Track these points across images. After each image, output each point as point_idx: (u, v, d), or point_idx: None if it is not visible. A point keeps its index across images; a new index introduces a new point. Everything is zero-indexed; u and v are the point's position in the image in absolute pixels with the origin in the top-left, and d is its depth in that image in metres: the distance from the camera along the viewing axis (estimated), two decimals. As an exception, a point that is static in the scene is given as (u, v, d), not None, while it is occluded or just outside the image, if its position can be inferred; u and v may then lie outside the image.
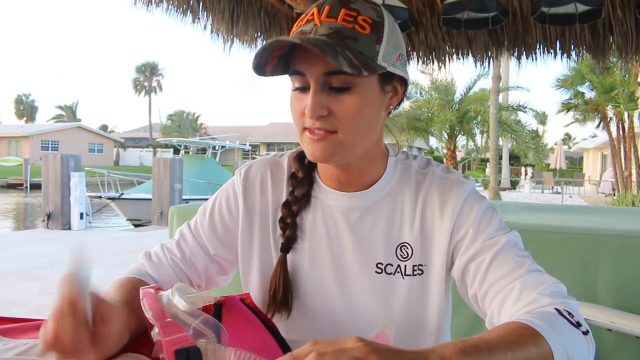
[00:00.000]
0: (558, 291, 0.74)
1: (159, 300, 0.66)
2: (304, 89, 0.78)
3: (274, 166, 0.95)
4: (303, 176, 0.90)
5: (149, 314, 0.63)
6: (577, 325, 0.67)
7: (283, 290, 0.88)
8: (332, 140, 0.78)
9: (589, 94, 17.33)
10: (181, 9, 3.23)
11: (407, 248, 0.87)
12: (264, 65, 0.76)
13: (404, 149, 0.98)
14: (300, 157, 0.93)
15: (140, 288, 0.71)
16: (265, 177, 0.94)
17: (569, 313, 0.68)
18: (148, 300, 0.66)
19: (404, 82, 0.85)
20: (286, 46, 0.75)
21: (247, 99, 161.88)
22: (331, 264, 0.89)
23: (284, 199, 0.92)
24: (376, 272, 0.86)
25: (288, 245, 0.89)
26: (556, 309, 0.68)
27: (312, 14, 0.77)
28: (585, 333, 0.67)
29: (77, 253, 0.64)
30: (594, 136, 31.38)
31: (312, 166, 0.92)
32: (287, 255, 0.90)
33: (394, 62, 0.79)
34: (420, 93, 18.09)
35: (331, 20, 0.75)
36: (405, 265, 0.86)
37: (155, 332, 0.62)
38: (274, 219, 0.92)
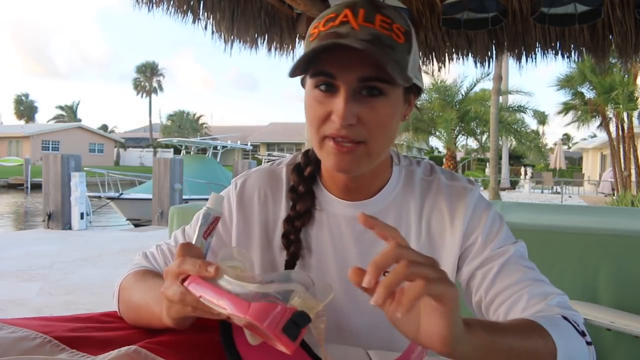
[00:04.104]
0: (564, 302, 0.75)
1: (212, 283, 0.59)
2: (328, 91, 0.73)
3: (272, 177, 0.92)
4: (304, 191, 0.87)
5: (220, 309, 0.56)
6: (582, 334, 0.68)
7: None
8: (360, 152, 0.74)
9: (589, 94, 17.34)
10: (182, 9, 3.23)
11: None
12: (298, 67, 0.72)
13: (404, 151, 0.98)
14: (298, 169, 0.90)
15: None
16: (263, 190, 0.91)
17: (575, 322, 0.69)
18: (206, 289, 0.59)
19: (418, 92, 0.83)
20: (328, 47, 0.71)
21: (246, 99, 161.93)
22: (338, 276, 0.87)
23: (284, 212, 0.89)
24: None
25: (292, 261, 0.87)
26: (563, 317, 0.70)
27: (345, 16, 0.72)
28: (589, 344, 0.68)
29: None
30: (594, 136, 31.38)
31: (312, 179, 0.89)
32: None
33: (417, 74, 0.78)
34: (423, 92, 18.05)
35: (369, 25, 0.71)
36: None
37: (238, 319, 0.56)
38: (275, 233, 0.89)
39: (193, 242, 0.68)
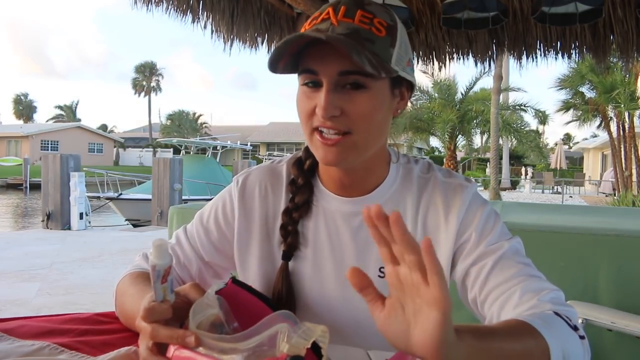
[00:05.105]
0: (558, 298, 0.75)
1: (196, 351, 0.59)
2: (314, 87, 0.77)
3: (272, 173, 0.95)
4: (303, 183, 0.89)
5: None
6: (575, 328, 0.68)
7: (286, 298, 0.87)
8: (345, 143, 0.77)
9: (589, 94, 17.34)
10: (181, 9, 3.22)
11: None
12: (278, 62, 0.75)
13: (404, 151, 0.98)
14: (299, 162, 0.92)
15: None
16: (263, 185, 0.93)
17: (568, 317, 0.69)
18: None
19: (410, 87, 0.85)
20: (303, 43, 0.74)
21: (246, 98, 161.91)
22: (334, 270, 0.88)
23: (283, 206, 0.91)
24: (379, 276, 0.85)
25: (289, 253, 0.88)
26: (555, 312, 0.69)
27: (327, 13, 0.76)
28: (582, 338, 0.67)
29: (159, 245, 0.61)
30: (595, 136, 31.40)
31: (312, 172, 0.91)
32: (289, 263, 0.89)
33: (404, 67, 0.79)
34: (422, 93, 18.06)
35: (348, 20, 0.75)
36: None
37: None
38: (274, 227, 0.91)
39: (154, 298, 0.63)
